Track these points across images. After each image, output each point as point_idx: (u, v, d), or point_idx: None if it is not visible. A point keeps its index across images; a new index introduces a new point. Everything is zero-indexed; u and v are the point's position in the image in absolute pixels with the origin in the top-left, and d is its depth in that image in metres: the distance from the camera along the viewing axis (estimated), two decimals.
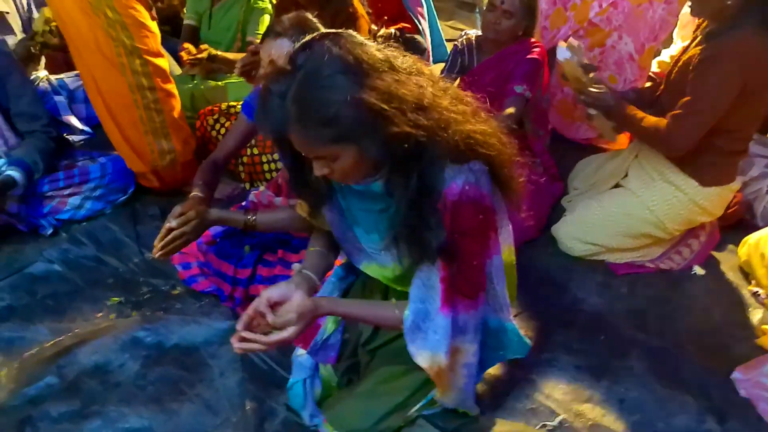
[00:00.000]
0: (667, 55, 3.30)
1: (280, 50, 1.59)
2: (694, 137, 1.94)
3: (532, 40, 2.36)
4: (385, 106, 1.01)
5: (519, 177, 1.23)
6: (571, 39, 2.95)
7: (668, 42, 3.28)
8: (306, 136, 1.06)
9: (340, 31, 1.09)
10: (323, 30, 1.63)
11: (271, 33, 1.63)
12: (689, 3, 1.97)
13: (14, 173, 2.13)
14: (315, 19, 1.68)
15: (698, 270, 2.27)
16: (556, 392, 1.77)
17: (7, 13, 2.70)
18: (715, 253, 2.37)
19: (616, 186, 2.33)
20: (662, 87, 2.17)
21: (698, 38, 2.02)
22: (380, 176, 1.17)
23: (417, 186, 1.10)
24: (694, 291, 2.19)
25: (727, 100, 1.88)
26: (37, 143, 2.22)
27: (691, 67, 1.93)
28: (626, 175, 2.30)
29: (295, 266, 1.31)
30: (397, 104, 1.03)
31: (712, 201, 2.10)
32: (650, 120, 2.01)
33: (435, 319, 1.20)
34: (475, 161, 1.13)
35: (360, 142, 1.06)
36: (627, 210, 2.18)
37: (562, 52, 2.09)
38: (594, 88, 2.05)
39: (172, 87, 2.31)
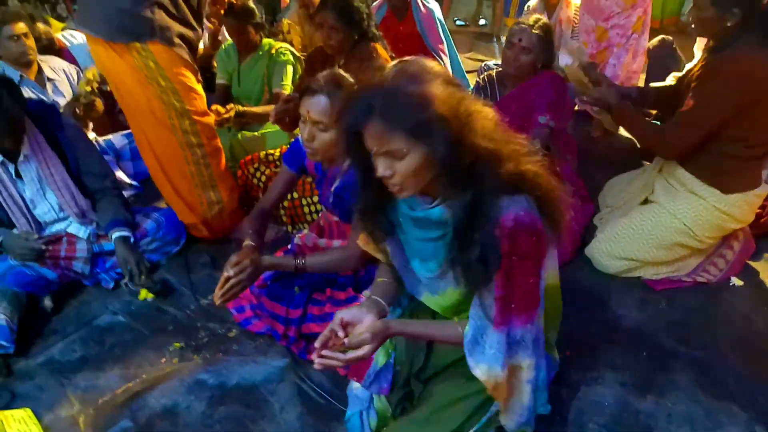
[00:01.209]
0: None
1: (317, 107, 1.72)
2: (688, 145, 2.05)
3: (551, 71, 2.47)
4: (465, 117, 1.14)
5: (565, 214, 1.30)
6: (570, 42, 3.05)
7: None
8: (384, 125, 1.13)
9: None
10: (355, 85, 1.79)
11: (308, 91, 1.76)
12: (693, 23, 2.07)
13: (124, 233, 2.34)
14: (347, 74, 1.81)
15: (736, 281, 2.30)
16: (602, 409, 1.81)
17: (58, 80, 2.95)
18: (752, 263, 2.40)
19: (645, 202, 2.39)
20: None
21: (704, 55, 2.11)
22: (439, 201, 1.27)
23: (474, 211, 1.20)
24: (734, 301, 2.22)
25: (723, 111, 1.96)
26: (115, 200, 2.39)
27: (693, 81, 2.03)
28: (653, 192, 2.36)
29: (365, 293, 1.42)
30: (473, 121, 1.15)
31: (737, 208, 2.14)
32: (649, 123, 2.13)
33: (490, 335, 1.28)
34: (526, 195, 1.22)
35: (431, 145, 1.13)
36: (657, 222, 2.23)
37: (564, 59, 2.22)
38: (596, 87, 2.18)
39: (217, 142, 2.47)
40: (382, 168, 1.19)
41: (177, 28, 2.14)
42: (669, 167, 2.26)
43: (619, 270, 2.33)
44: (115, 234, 2.33)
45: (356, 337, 1.26)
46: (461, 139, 1.13)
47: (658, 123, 2.17)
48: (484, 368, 1.30)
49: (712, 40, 2.05)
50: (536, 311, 1.31)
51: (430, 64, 1.19)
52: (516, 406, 1.39)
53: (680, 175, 2.20)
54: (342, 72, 1.82)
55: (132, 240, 2.36)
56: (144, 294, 2.36)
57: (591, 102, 2.17)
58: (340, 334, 1.29)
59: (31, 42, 2.81)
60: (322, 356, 1.26)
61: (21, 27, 2.76)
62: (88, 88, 2.88)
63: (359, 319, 1.31)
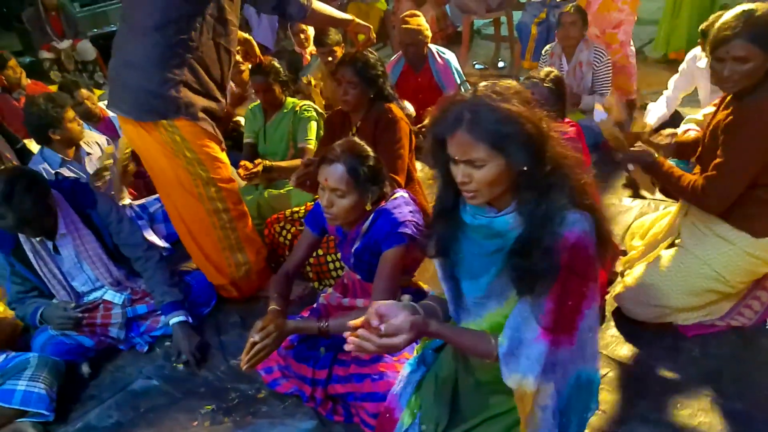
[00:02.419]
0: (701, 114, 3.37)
1: (335, 175, 1.79)
2: (729, 197, 2.01)
3: (566, 120, 2.49)
4: (546, 132, 1.24)
5: (613, 244, 1.37)
6: (607, 98, 3.07)
7: None
8: (470, 136, 1.23)
9: None
10: (371, 151, 1.86)
11: (325, 160, 1.83)
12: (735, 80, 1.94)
13: (182, 318, 2.42)
14: (363, 143, 1.87)
15: None
16: None
17: (93, 154, 3.11)
18: None
19: (672, 246, 2.35)
20: (700, 148, 2.23)
21: (727, 100, 2.09)
22: (509, 210, 1.33)
23: (543, 222, 1.26)
24: None
25: (759, 158, 1.93)
26: (160, 272, 2.46)
27: (720, 130, 2.00)
28: (679, 235, 2.33)
29: (404, 297, 1.42)
30: (552, 138, 1.26)
31: None
32: (687, 178, 2.08)
33: (528, 346, 1.30)
34: (587, 213, 1.28)
35: (511, 158, 1.23)
36: (685, 268, 2.19)
37: (599, 114, 2.22)
38: (634, 146, 2.15)
39: (243, 206, 2.56)
40: (461, 175, 1.28)
41: (201, 102, 2.25)
42: (696, 211, 2.23)
43: (650, 317, 2.28)
44: (173, 320, 2.41)
45: (393, 324, 1.26)
46: (542, 151, 1.24)
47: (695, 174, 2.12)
48: (516, 378, 1.33)
49: (744, 86, 1.96)
50: (576, 334, 1.33)
51: (513, 84, 1.29)
52: (530, 425, 1.37)
53: (710, 220, 2.16)
54: (357, 140, 1.89)
55: (191, 320, 2.45)
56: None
57: (627, 160, 2.17)
58: (374, 323, 1.27)
59: (79, 123, 3.00)
60: (355, 336, 1.26)
61: (71, 111, 2.95)
62: (109, 162, 3.03)
63: (395, 314, 1.30)
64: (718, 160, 1.98)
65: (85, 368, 2.41)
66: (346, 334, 1.28)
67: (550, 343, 1.29)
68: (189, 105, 2.20)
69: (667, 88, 3.75)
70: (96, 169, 2.99)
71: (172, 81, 2.16)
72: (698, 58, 3.43)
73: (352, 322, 1.29)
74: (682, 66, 3.59)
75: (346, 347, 1.26)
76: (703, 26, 3.14)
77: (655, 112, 3.71)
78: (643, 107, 3.96)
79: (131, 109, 2.22)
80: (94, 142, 3.14)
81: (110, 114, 3.63)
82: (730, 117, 1.97)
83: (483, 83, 1.28)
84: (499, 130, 1.21)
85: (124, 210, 2.60)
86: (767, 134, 1.90)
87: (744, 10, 1.85)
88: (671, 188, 2.23)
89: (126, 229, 2.41)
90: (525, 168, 1.24)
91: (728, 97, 2.10)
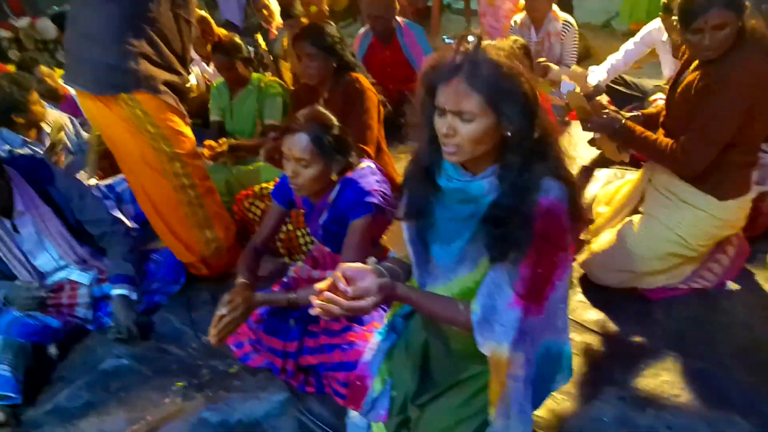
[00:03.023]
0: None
1: (299, 145, 1.77)
2: (707, 159, 2.02)
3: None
4: (537, 97, 1.21)
5: (584, 215, 1.38)
6: (573, 68, 3.07)
7: None
8: (467, 84, 1.18)
9: None
10: (335, 121, 1.84)
11: (289, 129, 1.81)
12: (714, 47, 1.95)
13: (124, 291, 2.38)
14: (326, 111, 1.86)
15: (732, 285, 2.29)
16: (602, 425, 1.81)
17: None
18: (748, 266, 2.38)
19: (636, 212, 2.39)
20: (664, 112, 2.26)
21: (695, 63, 2.09)
22: (485, 175, 1.30)
23: (521, 187, 1.24)
24: (731, 307, 2.21)
25: (736, 121, 1.96)
26: (119, 248, 2.43)
27: (693, 91, 2.01)
28: (643, 201, 2.37)
29: (370, 260, 1.39)
30: (540, 103, 1.24)
31: (732, 213, 2.15)
32: (663, 141, 2.09)
33: (502, 313, 1.29)
34: (562, 182, 1.27)
35: (503, 116, 1.19)
36: (650, 233, 2.23)
37: (566, 86, 2.22)
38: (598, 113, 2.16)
39: (210, 182, 2.52)
40: (446, 127, 1.22)
41: (162, 75, 2.20)
42: (660, 178, 2.26)
43: (615, 282, 2.33)
44: (115, 291, 2.37)
45: (360, 287, 1.24)
46: (534, 117, 1.21)
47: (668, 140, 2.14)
48: (491, 345, 1.32)
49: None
50: (545, 304, 1.33)
51: (513, 46, 1.27)
52: (503, 396, 1.37)
53: (673, 185, 2.20)
54: (322, 109, 1.87)
55: (135, 296, 2.41)
56: None
57: (595, 129, 2.18)
58: (341, 285, 1.24)
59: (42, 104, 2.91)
60: (322, 300, 1.23)
61: (35, 93, 2.87)
62: (61, 135, 2.95)
63: (361, 276, 1.28)
64: (697, 123, 1.99)
65: (53, 350, 2.37)
66: (312, 297, 1.24)
67: (523, 310, 1.29)
68: (149, 78, 2.15)
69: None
70: (49, 144, 2.92)
71: (130, 53, 2.10)
72: (661, 31, 3.44)
73: (318, 285, 1.26)
74: (638, 36, 3.58)
75: (312, 311, 1.23)
76: (664, 0, 3.16)
77: (595, 75, 3.69)
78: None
79: (89, 84, 2.16)
80: (53, 120, 3.06)
81: (72, 92, 3.53)
82: (703, 80, 1.98)
83: (486, 40, 1.23)
84: (498, 84, 1.17)
85: (86, 185, 2.54)
86: (744, 96, 1.92)
87: None
88: (646, 151, 2.24)
89: (89, 205, 2.36)
90: (513, 130, 1.21)
91: (695, 61, 2.11)
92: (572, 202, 1.29)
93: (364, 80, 2.53)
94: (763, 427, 1.74)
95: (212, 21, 2.90)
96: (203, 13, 2.81)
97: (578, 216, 1.31)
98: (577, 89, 2.22)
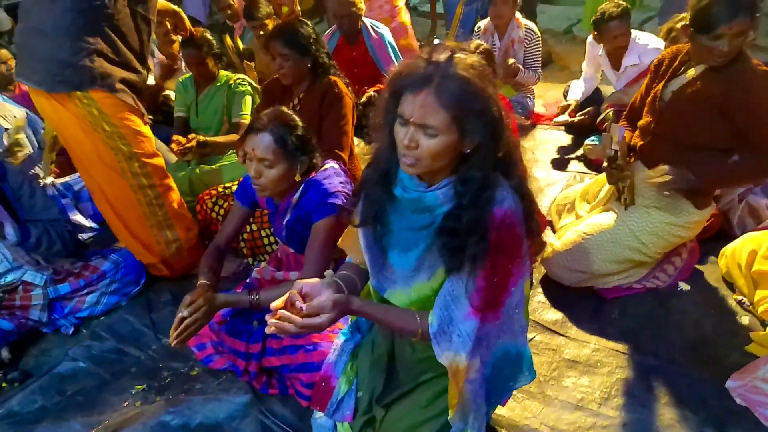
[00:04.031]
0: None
1: (261, 144, 1.76)
2: None
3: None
4: (504, 119, 1.22)
5: (541, 225, 1.39)
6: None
7: None
8: (436, 99, 1.16)
9: None
10: (299, 121, 1.84)
11: (252, 130, 1.80)
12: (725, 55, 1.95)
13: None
14: (290, 112, 1.85)
15: (684, 285, 2.38)
16: (560, 423, 1.85)
17: (9, 128, 2.93)
18: (698, 267, 2.48)
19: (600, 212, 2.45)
20: (648, 118, 2.23)
21: (692, 71, 2.10)
22: (440, 186, 1.30)
23: (478, 201, 1.24)
24: (683, 306, 2.29)
25: None
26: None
27: (716, 93, 1.98)
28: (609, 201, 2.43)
29: (327, 273, 1.40)
30: (506, 124, 1.23)
31: (697, 223, 2.23)
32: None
33: (459, 324, 1.31)
34: (515, 191, 1.29)
35: (467, 135, 1.19)
36: (613, 238, 2.28)
37: (617, 131, 2.22)
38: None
39: (170, 181, 2.48)
40: (408, 138, 1.21)
41: (119, 73, 2.16)
42: (641, 184, 2.25)
43: (573, 281, 2.39)
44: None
45: (315, 304, 1.23)
46: (499, 136, 1.21)
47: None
48: (449, 356, 1.33)
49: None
50: (501, 310, 1.35)
51: (483, 61, 1.23)
52: (462, 398, 1.39)
53: (649, 190, 2.20)
54: (285, 109, 1.86)
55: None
56: None
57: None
58: (298, 303, 1.24)
59: None
60: (277, 318, 1.22)
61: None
62: (19, 136, 2.87)
63: (318, 292, 1.28)
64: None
65: (5, 353, 2.29)
66: (267, 316, 1.23)
67: (479, 320, 1.31)
68: (105, 76, 2.10)
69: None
70: (8, 143, 2.82)
71: (85, 50, 2.05)
72: (595, 45, 3.58)
73: (274, 304, 1.24)
74: (585, 58, 3.75)
75: (267, 330, 1.22)
76: (594, 18, 3.29)
77: (577, 89, 3.84)
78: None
79: (42, 80, 2.10)
80: (11, 116, 2.96)
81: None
82: (725, 84, 1.97)
83: (460, 51, 1.21)
84: (467, 103, 1.17)
85: (38, 183, 2.47)
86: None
87: None
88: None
89: (39, 203, 2.30)
90: (475, 148, 1.21)
91: (690, 69, 2.11)
92: (527, 211, 1.30)
93: (342, 85, 2.51)
94: (712, 421, 1.82)
95: (184, 15, 2.83)
96: (175, 7, 2.74)
97: (533, 225, 1.33)
98: (626, 134, 2.22)
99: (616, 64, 3.46)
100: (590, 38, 3.60)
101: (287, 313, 1.22)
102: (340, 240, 1.60)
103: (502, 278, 1.31)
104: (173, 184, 2.51)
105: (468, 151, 1.23)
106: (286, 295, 1.27)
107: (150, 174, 2.33)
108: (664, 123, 2.15)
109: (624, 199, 2.25)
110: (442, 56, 1.20)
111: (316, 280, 1.32)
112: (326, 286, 1.31)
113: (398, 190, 1.37)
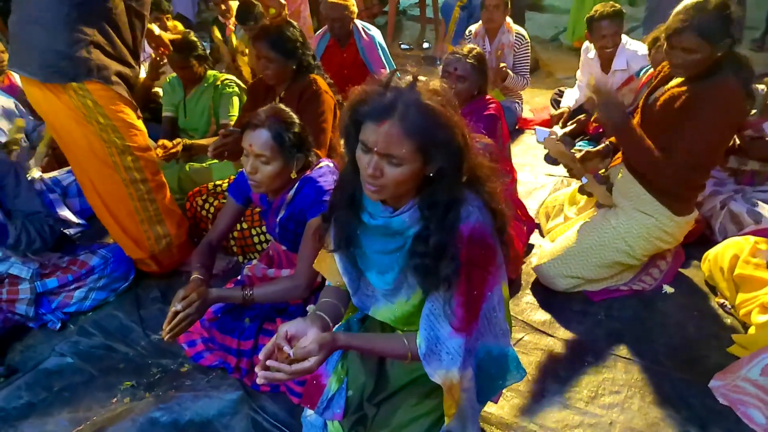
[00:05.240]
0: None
1: (259, 140, 1.77)
2: (686, 170, 2.08)
3: (487, 97, 2.58)
4: (469, 146, 1.22)
5: (511, 233, 1.41)
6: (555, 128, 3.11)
7: None
8: (401, 129, 1.15)
9: None
10: (296, 118, 1.85)
11: (250, 125, 1.81)
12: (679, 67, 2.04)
13: None
14: (288, 109, 1.86)
15: (668, 289, 2.43)
16: (548, 421, 1.89)
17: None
18: (682, 271, 2.54)
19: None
20: (638, 118, 2.30)
21: (675, 80, 2.16)
22: (405, 209, 1.31)
23: (443, 222, 1.25)
24: (667, 309, 2.35)
25: (722, 134, 2.05)
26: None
27: (676, 106, 2.06)
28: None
29: (310, 307, 1.40)
30: (472, 149, 1.24)
31: (679, 229, 2.28)
32: (646, 146, 2.09)
33: (446, 342, 1.32)
34: (480, 202, 1.30)
35: (431, 163, 1.20)
36: (602, 241, 2.33)
37: (541, 133, 2.28)
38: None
39: (161, 177, 2.47)
40: (372, 167, 1.20)
41: (114, 66, 2.15)
42: (621, 184, 2.34)
43: (566, 287, 2.42)
44: None
45: (302, 348, 1.22)
46: (462, 163, 1.21)
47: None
48: (441, 373, 1.34)
49: (693, 73, 2.04)
50: (480, 315, 1.36)
51: (446, 86, 1.23)
52: (458, 408, 1.41)
53: (632, 193, 2.27)
54: (282, 106, 1.87)
55: None
56: None
57: (602, 111, 2.08)
58: (285, 348, 1.23)
59: None
60: (266, 369, 1.21)
61: None
62: (19, 136, 2.84)
63: (303, 331, 1.27)
64: (680, 137, 2.03)
65: None
66: (257, 368, 1.21)
67: (465, 335, 1.32)
68: (101, 68, 2.09)
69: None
70: (6, 141, 2.79)
71: (82, 41, 2.04)
72: (588, 49, 3.66)
73: (261, 355, 1.22)
74: (580, 66, 3.84)
75: (258, 381, 1.21)
76: (588, 16, 3.38)
77: (571, 96, 3.93)
78: (560, 93, 4.17)
79: (37, 71, 2.08)
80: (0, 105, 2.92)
81: (16, 77, 3.38)
82: (686, 96, 2.04)
83: (421, 77, 1.21)
84: (432, 132, 1.16)
85: (24, 175, 2.43)
86: (723, 118, 2.00)
87: (698, 1, 1.91)
88: (633, 145, 2.16)
89: (23, 194, 2.27)
90: (438, 171, 1.21)
91: (670, 77, 2.19)
92: (497, 226, 1.31)
93: (322, 82, 2.52)
94: (694, 420, 1.86)
95: (167, 39, 2.79)
96: (157, 31, 2.68)
97: (505, 239, 1.34)
98: (553, 135, 2.27)
99: (606, 66, 3.53)
100: (585, 44, 3.66)
101: (276, 363, 1.21)
102: (315, 262, 1.60)
103: (480, 289, 1.33)
104: (165, 180, 2.49)
105: (431, 174, 1.23)
106: (272, 342, 1.25)
107: (143, 168, 2.32)
108: (645, 127, 2.20)
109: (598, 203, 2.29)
110: (403, 83, 1.19)
111: (299, 320, 1.31)
112: (311, 324, 1.30)
113: (365, 216, 1.38)
